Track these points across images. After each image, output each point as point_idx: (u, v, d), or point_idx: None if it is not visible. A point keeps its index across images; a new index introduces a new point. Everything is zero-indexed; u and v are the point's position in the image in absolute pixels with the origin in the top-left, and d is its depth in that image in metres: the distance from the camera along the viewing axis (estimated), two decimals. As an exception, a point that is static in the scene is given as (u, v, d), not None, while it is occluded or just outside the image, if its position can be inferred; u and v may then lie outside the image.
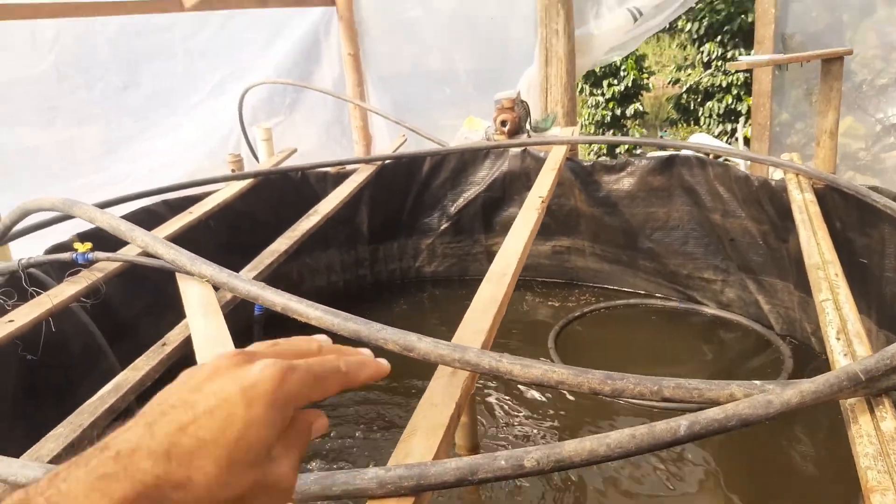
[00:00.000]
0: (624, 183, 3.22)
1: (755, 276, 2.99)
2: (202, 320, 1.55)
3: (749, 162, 4.36)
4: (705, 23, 9.04)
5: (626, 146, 9.26)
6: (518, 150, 3.42)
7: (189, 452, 0.37)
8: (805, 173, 2.54)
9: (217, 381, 0.41)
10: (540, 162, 3.34)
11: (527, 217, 2.16)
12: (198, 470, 0.37)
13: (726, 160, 3.44)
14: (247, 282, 1.30)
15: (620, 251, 3.38)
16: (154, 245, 1.42)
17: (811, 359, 2.74)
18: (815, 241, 2.01)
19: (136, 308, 2.66)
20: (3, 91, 3.21)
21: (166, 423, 0.38)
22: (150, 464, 0.36)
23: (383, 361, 0.51)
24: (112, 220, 1.50)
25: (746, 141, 8.17)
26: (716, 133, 9.33)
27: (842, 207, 2.49)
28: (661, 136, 10.92)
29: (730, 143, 9.05)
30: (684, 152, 3.18)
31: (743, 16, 8.75)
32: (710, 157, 3.13)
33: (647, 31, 4.00)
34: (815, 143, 2.54)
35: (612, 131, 9.32)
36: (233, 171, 3.61)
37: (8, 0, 2.95)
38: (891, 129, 3.94)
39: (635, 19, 3.83)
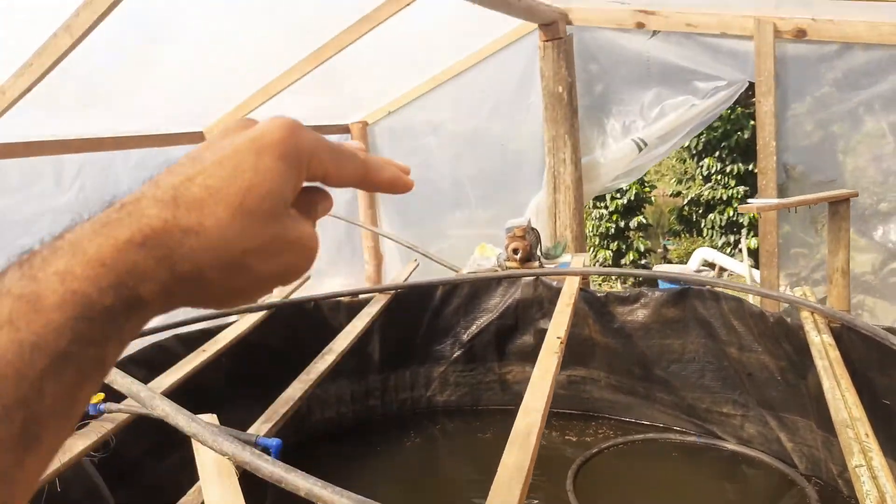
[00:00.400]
0: (638, 314, 3.21)
1: (775, 412, 2.93)
2: (217, 488, 1.50)
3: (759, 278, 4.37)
4: (703, 139, 9.36)
5: (632, 257, 9.36)
6: (530, 278, 3.44)
7: (198, 200, 0.35)
8: (820, 312, 2.54)
9: (226, 139, 0.38)
10: (552, 290, 3.36)
11: (546, 364, 2.14)
12: (209, 216, 0.35)
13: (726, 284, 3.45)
14: (269, 462, 1.27)
15: (637, 383, 3.32)
16: (175, 417, 1.40)
17: (839, 503, 2.64)
18: (840, 393, 1.98)
19: (140, 447, 2.60)
20: (26, 225, 3.26)
21: (172, 176, 0.36)
22: (157, 210, 0.35)
23: (409, 178, 0.46)
24: (132, 386, 1.49)
25: (750, 252, 8.26)
26: (719, 244, 9.46)
27: (860, 346, 2.46)
28: (665, 246, 11.07)
29: (733, 255, 9.14)
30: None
31: (739, 132, 9.06)
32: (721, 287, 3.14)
33: (651, 159, 4.12)
34: (828, 281, 2.56)
35: (616, 242, 9.45)
36: (245, 297, 3.63)
37: (36, 138, 3.07)
38: (896, 254, 3.98)
39: (640, 149, 3.95)
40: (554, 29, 3.63)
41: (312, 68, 3.03)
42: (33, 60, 2.20)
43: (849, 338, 2.47)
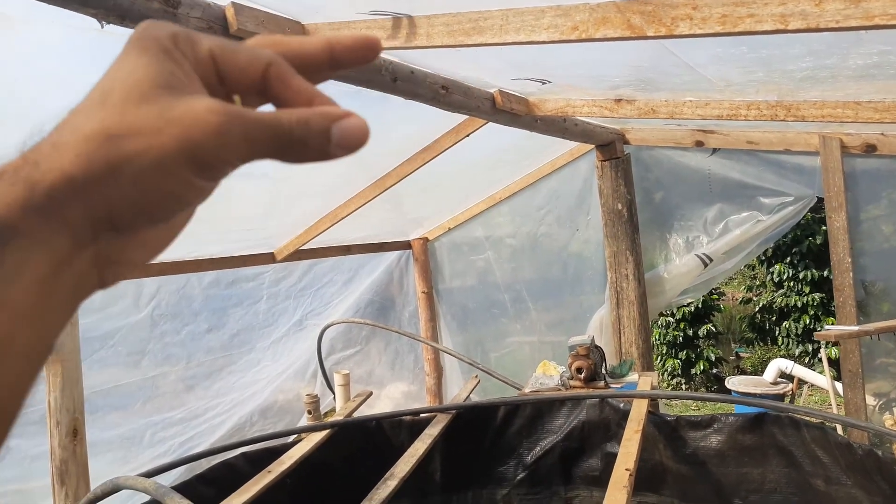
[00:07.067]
0: (711, 440, 3.05)
1: (872, 552, 2.67)
2: None
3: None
4: (772, 245, 9.13)
5: (702, 367, 9.00)
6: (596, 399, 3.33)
7: (63, 121, 0.35)
8: (915, 446, 2.35)
9: None
10: (619, 412, 3.24)
11: (615, 500, 2.03)
12: (67, 128, 0.35)
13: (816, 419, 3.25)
14: None
15: (713, 513, 3.11)
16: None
17: None
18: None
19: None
20: (103, 339, 3.42)
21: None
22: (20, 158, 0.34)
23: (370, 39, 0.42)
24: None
25: (831, 362, 7.81)
26: (796, 353, 9.00)
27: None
28: (737, 353, 10.60)
29: (812, 365, 8.66)
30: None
31: (811, 238, 8.81)
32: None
33: (720, 273, 4.03)
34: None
35: (685, 351, 9.11)
36: (309, 412, 3.64)
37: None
38: None
39: (705, 265, 3.88)
40: (611, 149, 3.69)
41: (375, 195, 3.15)
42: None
43: (950, 475, 2.28)
